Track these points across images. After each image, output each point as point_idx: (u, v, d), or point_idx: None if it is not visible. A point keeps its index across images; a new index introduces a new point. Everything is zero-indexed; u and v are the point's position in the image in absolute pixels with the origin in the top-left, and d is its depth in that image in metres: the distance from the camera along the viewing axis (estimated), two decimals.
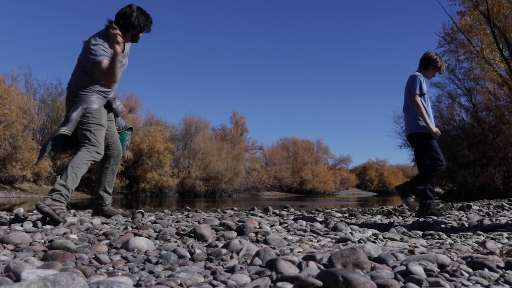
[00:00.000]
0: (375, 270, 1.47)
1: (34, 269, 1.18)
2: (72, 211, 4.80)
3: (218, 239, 2.37)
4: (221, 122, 79.20)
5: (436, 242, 2.48)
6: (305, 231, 2.91)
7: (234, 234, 2.50)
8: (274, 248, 2.08)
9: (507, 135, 20.85)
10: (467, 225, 3.46)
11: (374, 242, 2.42)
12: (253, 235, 2.53)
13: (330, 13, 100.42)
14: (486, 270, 1.53)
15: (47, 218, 3.06)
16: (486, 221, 3.67)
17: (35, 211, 4.50)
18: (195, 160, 36.24)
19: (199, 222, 3.37)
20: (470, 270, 1.54)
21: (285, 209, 5.91)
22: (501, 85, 20.69)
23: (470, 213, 4.88)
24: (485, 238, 2.64)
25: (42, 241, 2.23)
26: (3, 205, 11.45)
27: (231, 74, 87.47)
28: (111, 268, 1.56)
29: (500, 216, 4.57)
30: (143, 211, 3.83)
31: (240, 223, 2.94)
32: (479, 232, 2.91)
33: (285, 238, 2.50)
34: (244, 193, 40.94)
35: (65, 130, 3.25)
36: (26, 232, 2.51)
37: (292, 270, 1.48)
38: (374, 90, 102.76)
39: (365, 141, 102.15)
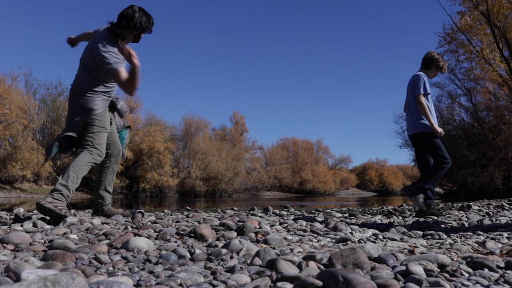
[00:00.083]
0: (375, 270, 1.47)
1: (34, 269, 1.18)
2: (72, 211, 4.80)
3: (218, 239, 2.37)
4: (221, 122, 79.24)
5: (436, 242, 2.48)
6: (305, 231, 2.91)
7: (234, 234, 2.50)
8: (274, 248, 2.08)
9: (507, 135, 20.85)
10: (467, 225, 3.46)
11: (374, 242, 2.42)
12: (253, 235, 2.53)
13: (330, 13, 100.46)
14: (486, 270, 1.53)
15: (48, 217, 3.07)
16: (486, 221, 3.67)
17: (35, 211, 4.50)
18: (195, 160, 36.23)
19: (199, 222, 3.37)
20: (470, 270, 1.54)
21: (285, 209, 5.91)
22: (501, 85, 20.69)
23: (470, 213, 4.88)
24: (485, 238, 2.64)
25: (42, 241, 2.23)
26: (3, 205, 11.45)
27: (231, 74, 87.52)
28: (111, 268, 1.56)
29: (500, 216, 4.57)
30: (143, 211, 3.83)
31: (240, 223, 2.94)
32: (479, 232, 2.91)
33: (285, 238, 2.50)
34: (244, 193, 40.94)
35: (71, 133, 3.29)
36: (26, 232, 2.51)
37: (292, 270, 1.48)
38: (374, 90, 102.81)
39: (365, 141, 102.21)
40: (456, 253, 2.04)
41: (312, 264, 1.56)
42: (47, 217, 3.20)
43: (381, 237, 2.64)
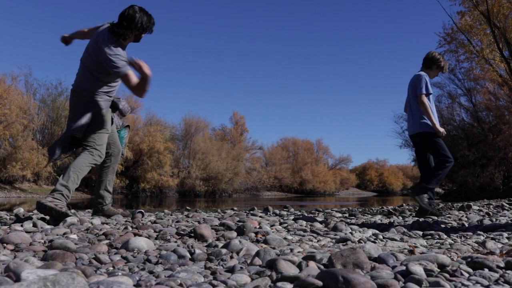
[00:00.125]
0: (375, 270, 1.47)
1: (34, 269, 1.18)
2: (72, 211, 4.80)
3: (218, 239, 2.37)
4: (221, 122, 79.23)
5: (436, 242, 2.48)
6: (305, 231, 2.91)
7: (234, 234, 2.50)
8: (274, 248, 2.08)
9: (507, 135, 20.86)
10: (467, 225, 3.46)
11: (374, 242, 2.42)
12: (253, 235, 2.53)
13: (330, 13, 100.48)
14: (486, 270, 1.53)
15: (48, 216, 3.07)
16: (486, 221, 3.67)
17: (35, 211, 4.50)
18: (195, 160, 36.23)
19: (199, 222, 3.37)
20: (470, 270, 1.54)
21: (285, 209, 5.91)
22: (501, 85, 20.69)
23: (470, 213, 4.88)
24: (485, 238, 2.64)
25: (42, 241, 2.23)
26: (3, 205, 11.45)
27: (231, 74, 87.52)
28: (111, 268, 1.56)
29: (500, 216, 4.57)
30: (143, 211, 3.83)
31: (240, 223, 2.94)
32: (479, 232, 2.90)
33: (285, 238, 2.50)
34: (244, 193, 40.94)
35: (76, 133, 3.30)
36: (26, 232, 2.51)
37: (292, 270, 1.48)
38: (374, 90, 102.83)
39: (365, 141, 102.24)
40: (456, 253, 2.04)
41: (312, 264, 1.56)
42: (47, 217, 3.20)
43: (381, 237, 2.64)
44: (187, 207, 6.87)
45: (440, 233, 2.75)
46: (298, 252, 2.01)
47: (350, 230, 2.96)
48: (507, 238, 2.63)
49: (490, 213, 5.00)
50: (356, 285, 1.21)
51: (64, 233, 2.52)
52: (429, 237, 2.72)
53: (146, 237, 2.28)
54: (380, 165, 76.41)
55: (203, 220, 3.52)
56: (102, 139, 3.43)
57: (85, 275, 1.36)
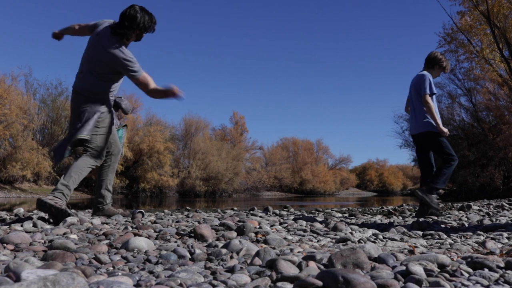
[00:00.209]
0: (375, 270, 1.47)
1: (34, 269, 1.18)
2: (72, 210, 4.79)
3: (218, 239, 2.37)
4: (221, 122, 79.30)
5: (436, 242, 2.48)
6: (305, 231, 2.91)
7: (234, 234, 2.50)
8: (274, 248, 2.08)
9: (507, 135, 20.86)
10: (467, 225, 3.46)
11: (374, 242, 2.42)
12: (253, 235, 2.53)
13: (330, 13, 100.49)
14: (486, 270, 1.53)
15: (48, 214, 3.08)
16: (486, 221, 3.67)
17: (36, 211, 4.50)
18: (195, 160, 36.24)
19: (199, 222, 3.37)
20: (470, 270, 1.54)
21: (285, 209, 5.91)
22: (501, 85, 20.70)
23: (470, 213, 4.88)
24: (485, 238, 2.64)
25: (42, 241, 2.23)
26: (3, 205, 11.45)
27: (231, 74, 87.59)
28: (111, 268, 1.56)
29: (500, 216, 4.57)
30: (143, 211, 3.83)
31: (240, 223, 2.94)
32: (479, 232, 2.90)
33: (285, 238, 2.50)
34: (244, 193, 40.94)
35: (84, 135, 3.30)
36: (26, 232, 2.51)
37: (292, 270, 1.48)
38: (374, 90, 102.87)
39: (365, 141, 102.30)
40: (456, 253, 2.04)
41: (312, 264, 1.56)
42: (47, 216, 3.21)
43: (381, 237, 2.64)
44: (187, 207, 6.87)
45: (440, 233, 2.75)
46: (298, 252, 2.01)
47: (350, 230, 2.96)
48: (507, 238, 2.63)
49: (490, 213, 4.99)
50: (356, 285, 1.21)
51: (64, 233, 2.52)
52: (429, 237, 2.72)
53: (146, 237, 2.28)
54: (380, 165, 76.45)
55: (203, 220, 3.52)
56: (104, 140, 3.43)
57: (85, 275, 1.36)
